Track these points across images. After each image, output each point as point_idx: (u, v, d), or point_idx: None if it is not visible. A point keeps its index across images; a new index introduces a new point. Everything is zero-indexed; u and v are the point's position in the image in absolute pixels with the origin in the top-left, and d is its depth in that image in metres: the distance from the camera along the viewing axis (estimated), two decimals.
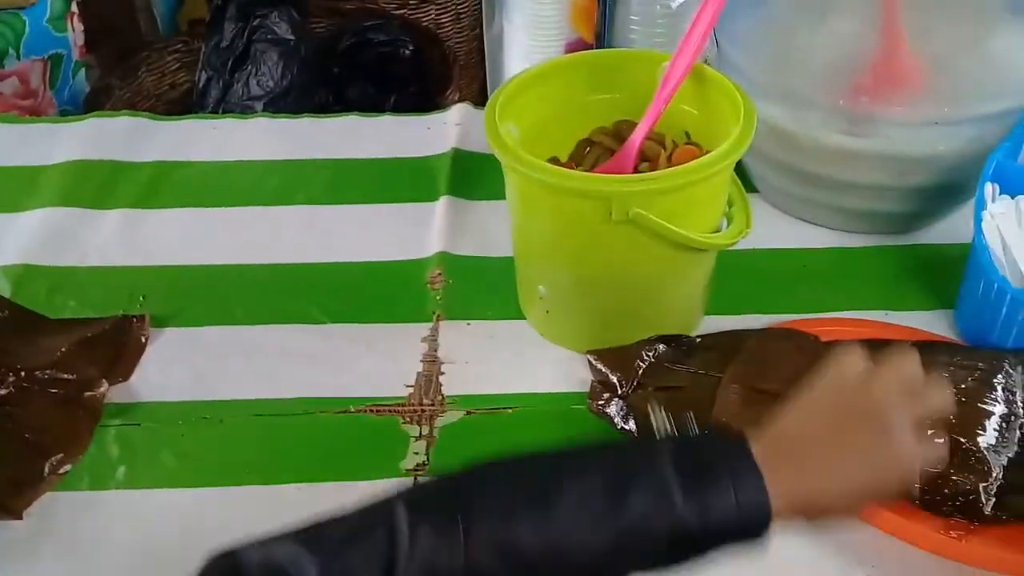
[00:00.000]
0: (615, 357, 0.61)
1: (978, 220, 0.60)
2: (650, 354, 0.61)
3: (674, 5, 0.69)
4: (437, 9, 1.38)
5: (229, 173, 0.82)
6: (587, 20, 0.72)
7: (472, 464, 0.39)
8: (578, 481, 0.37)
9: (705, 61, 0.64)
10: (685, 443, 0.41)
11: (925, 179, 0.67)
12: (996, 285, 0.58)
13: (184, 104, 1.15)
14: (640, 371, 0.60)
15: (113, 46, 1.24)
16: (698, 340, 0.62)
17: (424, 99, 1.15)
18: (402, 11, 1.35)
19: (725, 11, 0.61)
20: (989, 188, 0.61)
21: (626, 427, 0.58)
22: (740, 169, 0.72)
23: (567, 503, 0.36)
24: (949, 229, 0.72)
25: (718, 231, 0.60)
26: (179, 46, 1.23)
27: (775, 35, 0.69)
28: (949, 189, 0.67)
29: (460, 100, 0.93)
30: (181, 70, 1.22)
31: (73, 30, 1.14)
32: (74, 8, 1.14)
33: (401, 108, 1.16)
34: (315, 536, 0.35)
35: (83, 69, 1.17)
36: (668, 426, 0.57)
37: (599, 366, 0.61)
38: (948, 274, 0.67)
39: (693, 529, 0.36)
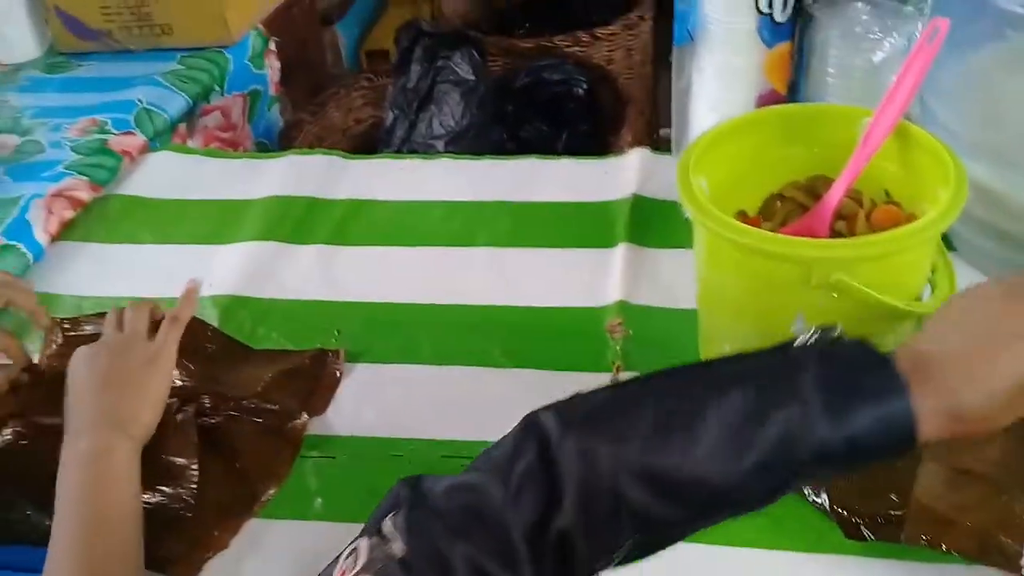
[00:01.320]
0: None
1: None
2: None
3: (876, 60, 0.67)
4: (608, 46, 1.40)
5: (415, 212, 0.86)
6: (781, 72, 0.71)
7: (624, 383, 0.42)
8: (719, 407, 0.37)
9: (907, 118, 0.62)
10: (828, 357, 0.39)
11: None
12: None
13: (368, 138, 1.21)
14: None
15: (304, 81, 1.32)
16: None
17: (595, 137, 1.16)
18: (574, 47, 1.38)
19: (934, 65, 0.59)
20: None
21: (817, 500, 0.56)
22: None
23: (708, 431, 0.37)
24: None
25: (920, 297, 0.58)
26: (364, 83, 1.30)
27: (982, 90, 0.66)
28: None
29: (632, 139, 0.94)
30: (366, 106, 1.29)
31: (270, 67, 1.23)
32: (271, 46, 1.23)
33: (573, 146, 1.19)
34: (483, 460, 0.39)
35: (277, 104, 1.25)
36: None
37: None
38: None
39: (838, 450, 0.37)
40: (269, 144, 1.21)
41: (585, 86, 1.21)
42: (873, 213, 0.62)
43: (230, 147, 1.15)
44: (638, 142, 0.98)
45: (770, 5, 0.67)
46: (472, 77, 1.09)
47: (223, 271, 0.79)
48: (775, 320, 0.58)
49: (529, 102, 1.20)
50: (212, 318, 0.74)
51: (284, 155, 0.96)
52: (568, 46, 1.39)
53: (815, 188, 0.65)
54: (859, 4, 0.67)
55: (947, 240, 0.70)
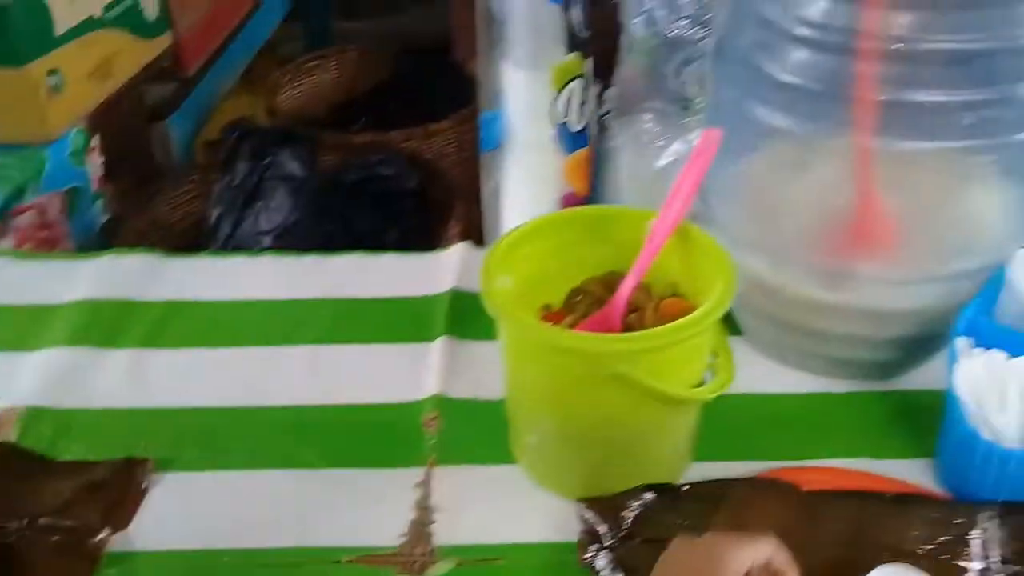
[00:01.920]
0: (603, 507, 0.62)
1: (950, 373, 0.62)
2: (637, 503, 0.62)
3: (661, 165, 0.73)
4: (441, 141, 1.45)
5: (234, 312, 0.85)
6: (580, 175, 0.76)
7: None
8: None
9: (693, 216, 0.68)
10: None
11: (902, 331, 0.69)
12: (970, 436, 0.60)
13: (195, 234, 1.19)
14: (627, 521, 0.61)
15: (130, 176, 1.30)
16: (685, 489, 0.64)
17: (426, 231, 1.19)
18: (409, 142, 1.42)
19: (712, 169, 0.65)
20: (962, 342, 0.64)
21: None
22: (727, 315, 0.75)
23: None
24: (930, 375, 0.74)
25: (702, 383, 0.63)
26: (193, 177, 1.29)
27: (754, 193, 0.73)
28: (926, 340, 0.70)
29: (462, 232, 0.97)
30: (195, 200, 1.28)
31: (92, 163, 1.20)
32: (94, 143, 1.20)
33: (404, 238, 1.21)
34: None
35: (99, 200, 1.22)
36: None
37: (587, 516, 0.62)
38: (929, 422, 0.68)
39: None
40: (90, 241, 1.18)
41: (416, 180, 1.25)
42: (661, 305, 0.67)
43: (47, 246, 1.11)
44: (468, 234, 1.02)
45: (566, 115, 0.72)
46: (301, 173, 1.11)
47: (23, 381, 0.75)
48: (572, 410, 0.62)
49: (361, 196, 1.23)
50: (9, 432, 0.70)
51: (100, 255, 0.93)
52: (403, 141, 1.43)
53: (611, 283, 0.69)
54: (645, 115, 0.74)
55: (735, 327, 0.77)
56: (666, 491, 0.63)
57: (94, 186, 1.21)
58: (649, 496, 0.63)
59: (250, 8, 1.77)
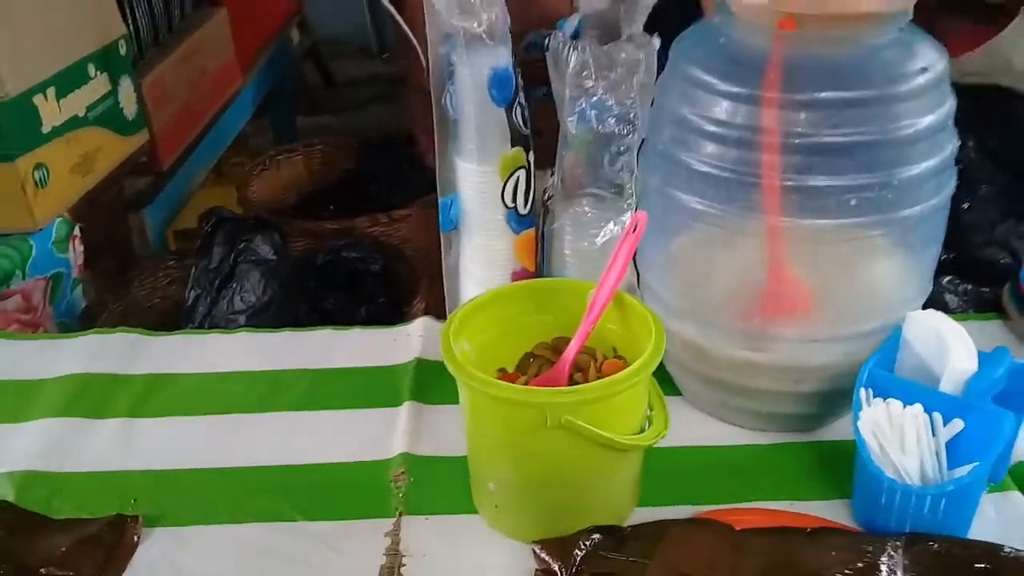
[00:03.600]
0: (556, 547, 0.69)
1: (855, 420, 0.71)
2: (587, 543, 0.69)
3: (599, 243, 0.82)
4: (405, 226, 1.55)
5: (214, 385, 0.92)
6: (528, 253, 0.85)
7: None
8: None
9: (631, 287, 0.77)
10: None
11: (816, 386, 0.78)
12: (876, 475, 0.69)
13: (173, 316, 1.26)
14: (578, 559, 0.68)
15: (109, 263, 1.37)
16: (628, 530, 0.71)
17: (393, 308, 1.27)
18: (374, 228, 1.52)
19: (643, 245, 0.75)
20: (864, 393, 0.73)
21: None
22: (665, 377, 0.84)
23: None
24: (847, 427, 0.83)
25: (641, 432, 0.71)
26: (170, 263, 1.36)
27: (685, 266, 0.82)
28: (838, 394, 0.78)
29: (425, 308, 1.05)
30: (171, 285, 1.35)
31: (74, 251, 1.27)
32: (76, 232, 1.27)
33: (372, 317, 1.29)
34: None
35: (80, 285, 1.29)
36: None
37: (542, 555, 0.69)
38: (846, 467, 0.76)
39: None
40: (72, 323, 1.24)
41: (381, 263, 1.34)
42: (603, 365, 0.76)
43: (30, 329, 1.17)
44: (431, 310, 1.10)
45: (514, 200, 0.82)
46: (273, 257, 1.19)
47: (19, 447, 0.81)
48: (526, 459, 0.69)
49: (330, 277, 1.31)
50: (8, 494, 0.76)
51: (86, 334, 1.00)
52: (368, 227, 1.53)
53: (559, 346, 0.78)
54: (584, 200, 0.84)
55: (673, 386, 0.85)
56: (612, 532, 0.70)
57: (75, 272, 1.28)
58: (597, 536, 0.70)
59: (222, 105, 1.87)
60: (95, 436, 0.84)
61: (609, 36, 0.80)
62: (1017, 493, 0.76)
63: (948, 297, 1.05)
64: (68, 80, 1.25)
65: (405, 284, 1.34)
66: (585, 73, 0.79)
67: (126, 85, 1.40)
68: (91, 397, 0.89)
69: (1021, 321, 0.94)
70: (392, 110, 3.03)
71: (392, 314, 1.28)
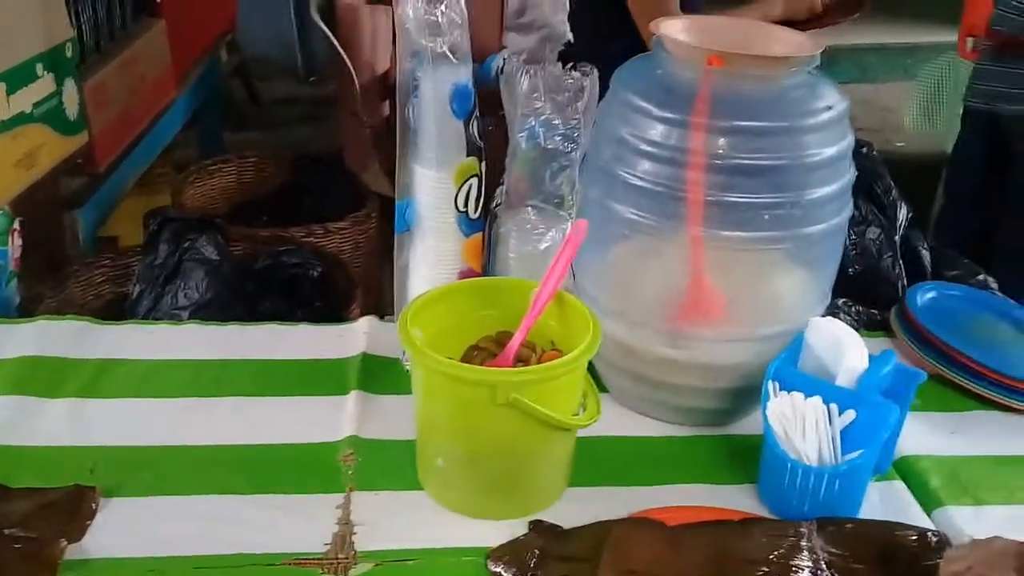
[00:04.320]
0: (508, 555, 0.73)
1: (764, 409, 0.80)
2: (535, 548, 0.74)
3: (541, 248, 0.90)
4: (340, 238, 1.60)
5: (164, 371, 0.95)
6: (476, 254, 0.92)
7: None
8: None
9: (567, 288, 0.85)
10: None
11: (730, 382, 0.88)
12: (780, 458, 0.78)
13: (110, 312, 1.27)
14: (531, 565, 0.72)
15: (43, 260, 1.37)
16: (572, 530, 0.76)
17: (329, 313, 1.32)
18: (309, 238, 1.56)
19: (581, 251, 0.83)
20: (771, 386, 0.82)
21: None
22: (594, 374, 0.92)
23: None
24: (755, 424, 0.92)
25: (577, 415, 0.78)
26: (106, 262, 1.38)
27: (618, 272, 0.91)
28: (749, 390, 0.88)
29: (360, 312, 1.10)
30: (105, 283, 1.36)
31: (13, 243, 1.27)
32: (16, 225, 1.28)
33: (308, 319, 1.33)
34: None
35: (15, 279, 1.29)
36: None
37: (498, 569, 0.72)
38: (754, 457, 0.85)
39: None
40: (6, 317, 1.24)
41: (320, 269, 1.39)
42: (542, 357, 0.83)
43: None
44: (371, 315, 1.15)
45: (465, 205, 0.89)
46: (217, 257, 1.22)
47: None
48: (474, 435, 0.76)
49: (269, 281, 1.35)
50: None
51: (33, 321, 1.02)
52: (303, 236, 1.57)
53: (502, 340, 0.85)
54: (529, 208, 0.92)
55: (600, 384, 0.93)
56: (555, 535, 0.75)
57: (12, 265, 1.28)
58: (540, 541, 0.74)
59: (156, 114, 1.89)
60: (49, 413, 0.86)
61: None
62: (899, 482, 0.86)
63: (843, 317, 1.17)
64: (17, 77, 1.27)
65: (342, 290, 1.39)
66: (535, 95, 0.87)
67: (70, 86, 1.42)
68: (43, 378, 0.91)
69: (903, 340, 1.06)
70: (320, 130, 3.09)
71: (329, 319, 1.32)
